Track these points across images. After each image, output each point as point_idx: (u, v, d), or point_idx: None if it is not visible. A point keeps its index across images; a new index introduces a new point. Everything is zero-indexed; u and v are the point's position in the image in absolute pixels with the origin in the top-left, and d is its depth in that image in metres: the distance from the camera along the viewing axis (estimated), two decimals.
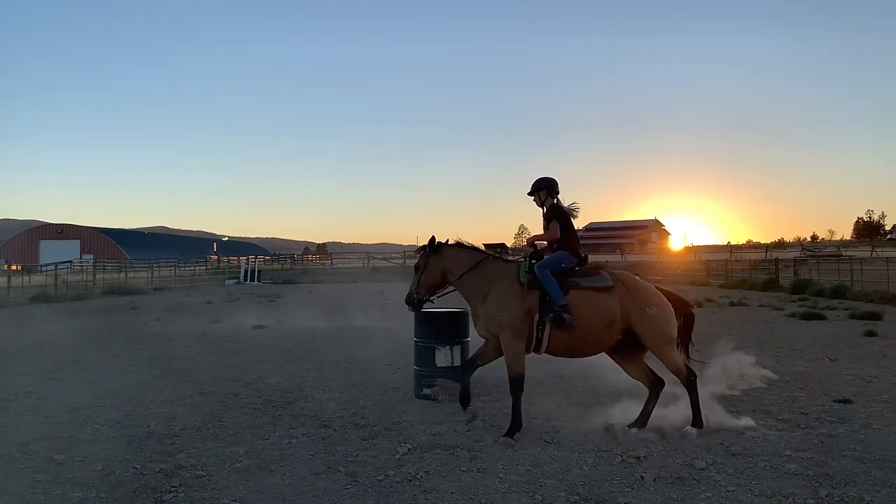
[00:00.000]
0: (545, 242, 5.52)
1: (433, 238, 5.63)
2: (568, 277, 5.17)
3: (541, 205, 5.51)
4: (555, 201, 5.46)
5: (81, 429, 5.34)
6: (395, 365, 8.28)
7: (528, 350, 5.16)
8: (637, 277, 5.45)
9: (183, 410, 5.96)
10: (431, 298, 5.57)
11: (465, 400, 5.20)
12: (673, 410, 5.39)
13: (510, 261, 5.53)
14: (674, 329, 5.23)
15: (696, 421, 5.01)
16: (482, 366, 5.45)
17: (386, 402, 6.21)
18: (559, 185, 5.52)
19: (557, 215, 5.36)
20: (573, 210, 5.48)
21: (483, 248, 5.66)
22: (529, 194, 5.55)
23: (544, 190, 5.47)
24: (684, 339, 5.52)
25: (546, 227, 5.43)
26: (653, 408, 5.17)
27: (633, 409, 5.30)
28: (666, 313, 5.18)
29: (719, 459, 4.37)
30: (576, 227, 5.51)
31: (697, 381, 5.18)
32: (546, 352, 5.19)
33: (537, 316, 5.05)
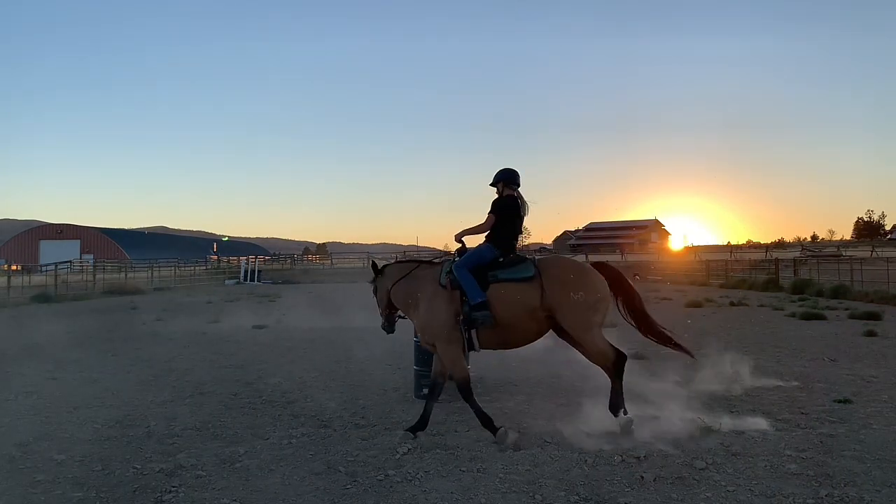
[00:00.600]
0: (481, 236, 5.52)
1: (374, 263, 5.98)
2: (490, 270, 5.17)
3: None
4: (513, 193, 5.48)
5: (81, 429, 5.34)
6: (395, 365, 8.28)
7: (466, 350, 5.16)
8: (569, 260, 5.33)
9: (183, 410, 5.96)
10: (398, 316, 5.68)
11: (421, 425, 5.07)
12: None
13: (438, 264, 5.56)
14: (599, 314, 5.06)
15: (614, 408, 4.99)
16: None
17: (386, 402, 6.21)
18: (519, 178, 5.55)
19: (494, 207, 5.40)
20: (525, 205, 5.51)
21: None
22: (491, 185, 5.59)
23: (501, 182, 5.52)
24: (637, 317, 5.38)
25: None
26: (621, 385, 5.06)
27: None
28: (593, 298, 5.01)
29: (719, 459, 4.37)
30: (513, 221, 5.44)
31: (625, 365, 5.06)
32: (482, 348, 5.22)
33: (461, 316, 5.08)
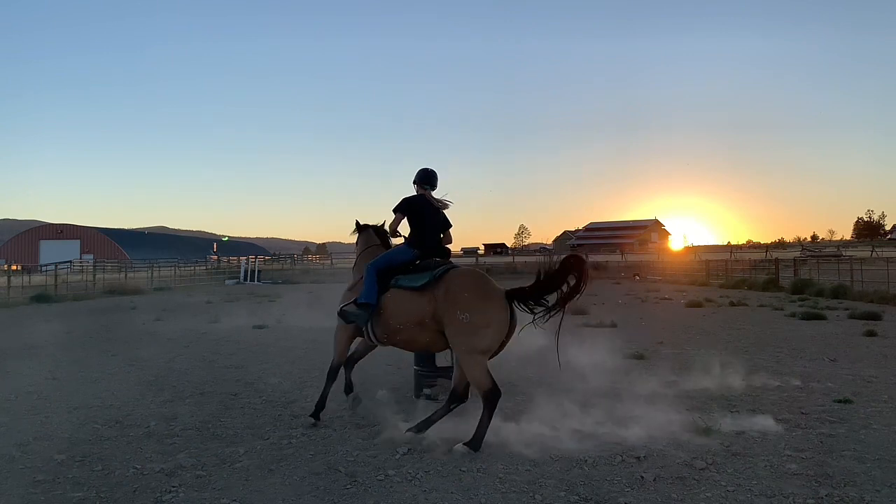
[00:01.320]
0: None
1: (357, 221, 6.26)
2: (398, 274, 5.23)
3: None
4: (424, 193, 5.58)
5: (81, 429, 5.34)
6: (395, 365, 8.28)
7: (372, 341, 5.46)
8: (474, 277, 5.04)
9: (183, 410, 5.96)
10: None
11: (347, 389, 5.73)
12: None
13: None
14: (483, 340, 4.69)
15: (475, 442, 4.58)
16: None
17: (386, 403, 6.21)
18: (435, 179, 5.64)
19: (399, 207, 5.52)
20: (442, 203, 5.59)
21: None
22: (413, 183, 5.74)
23: (416, 183, 5.65)
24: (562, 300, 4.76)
25: None
26: (488, 420, 4.66)
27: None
28: (480, 321, 4.67)
29: (719, 459, 4.37)
30: (425, 218, 5.50)
31: (497, 403, 4.71)
32: (380, 343, 5.41)
33: None
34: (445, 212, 5.68)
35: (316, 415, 5.45)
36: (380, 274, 5.20)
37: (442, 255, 5.51)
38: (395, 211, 5.49)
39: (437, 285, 4.91)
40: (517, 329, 4.94)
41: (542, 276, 4.78)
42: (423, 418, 5.03)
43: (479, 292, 4.84)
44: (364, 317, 5.15)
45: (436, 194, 5.61)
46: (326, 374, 5.62)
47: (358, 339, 5.75)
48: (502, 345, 4.90)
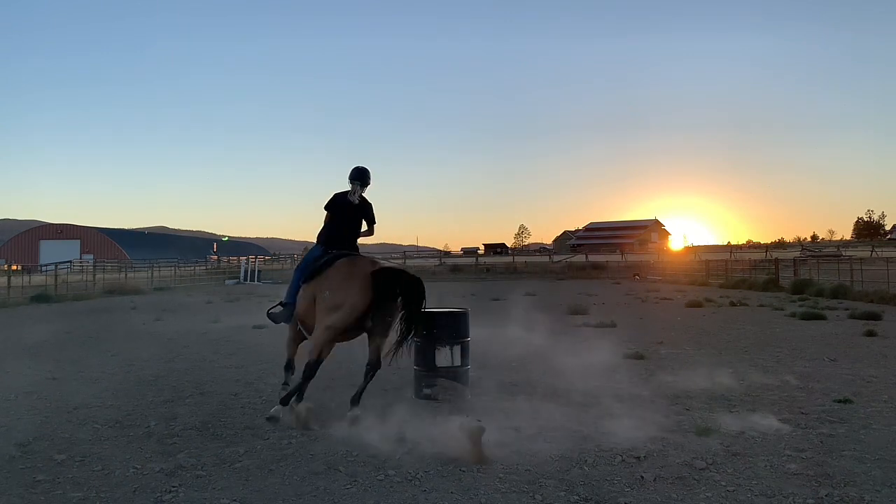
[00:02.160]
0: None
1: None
2: (308, 271, 5.61)
3: None
4: (347, 190, 5.86)
5: (81, 429, 5.34)
6: (394, 365, 8.25)
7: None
8: (351, 263, 5.45)
9: (183, 410, 5.96)
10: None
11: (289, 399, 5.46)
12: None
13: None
14: (335, 316, 5.16)
15: (284, 400, 5.34)
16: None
17: (386, 402, 6.20)
18: (367, 176, 5.91)
19: (326, 205, 5.86)
20: (358, 199, 5.85)
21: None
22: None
23: (349, 180, 5.92)
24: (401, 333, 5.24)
25: None
26: (303, 384, 5.30)
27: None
28: (334, 300, 5.18)
29: (719, 459, 4.37)
30: (347, 215, 5.83)
31: (313, 375, 5.26)
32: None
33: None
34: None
35: (284, 401, 5.40)
36: (301, 273, 5.64)
37: (350, 248, 5.78)
38: (324, 209, 5.88)
39: (321, 273, 5.39)
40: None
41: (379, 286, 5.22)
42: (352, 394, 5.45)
43: (343, 275, 5.29)
44: (286, 315, 5.65)
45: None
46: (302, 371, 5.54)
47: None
48: (387, 326, 5.33)
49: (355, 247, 5.91)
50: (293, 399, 5.33)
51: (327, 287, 5.26)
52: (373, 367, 5.36)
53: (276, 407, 5.44)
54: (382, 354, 5.32)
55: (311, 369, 5.22)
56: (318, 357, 5.22)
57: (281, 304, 5.83)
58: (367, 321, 5.26)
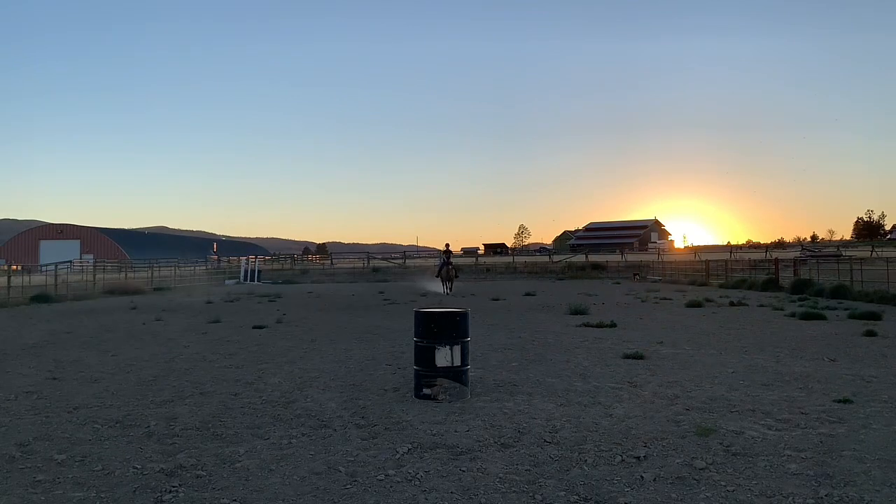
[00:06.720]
0: None
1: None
2: None
3: None
4: None
5: (81, 429, 5.34)
6: (395, 365, 8.28)
7: None
8: None
9: (183, 410, 5.96)
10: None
11: None
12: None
13: None
14: None
15: None
16: None
17: (386, 402, 6.21)
18: None
19: None
20: None
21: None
22: None
23: None
24: None
25: None
26: None
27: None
28: None
29: (719, 459, 4.37)
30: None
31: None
32: None
33: None
34: None
35: None
36: None
37: None
38: None
39: None
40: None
41: None
42: None
43: None
44: None
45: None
46: None
47: None
48: None
49: None
50: None
51: None
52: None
53: None
54: None
55: None
56: None
57: None
58: None
